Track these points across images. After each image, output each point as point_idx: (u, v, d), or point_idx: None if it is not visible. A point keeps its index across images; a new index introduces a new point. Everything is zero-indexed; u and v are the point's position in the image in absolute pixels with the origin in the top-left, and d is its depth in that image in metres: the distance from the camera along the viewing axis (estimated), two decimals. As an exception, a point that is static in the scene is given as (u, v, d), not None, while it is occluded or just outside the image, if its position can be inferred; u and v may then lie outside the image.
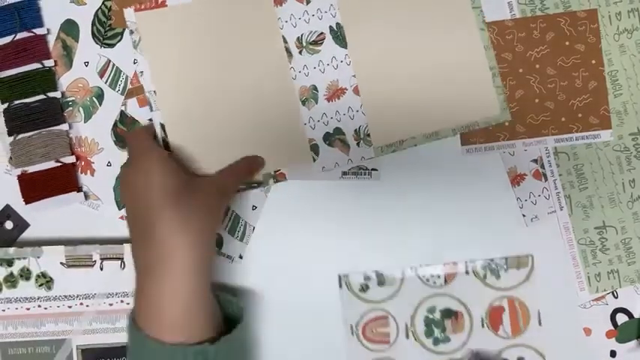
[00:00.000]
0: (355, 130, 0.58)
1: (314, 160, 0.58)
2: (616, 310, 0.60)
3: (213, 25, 0.56)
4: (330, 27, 0.58)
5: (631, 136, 0.60)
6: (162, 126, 0.56)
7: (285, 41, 0.58)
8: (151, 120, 0.57)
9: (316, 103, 0.58)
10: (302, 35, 0.58)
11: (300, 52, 0.58)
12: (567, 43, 0.59)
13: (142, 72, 0.57)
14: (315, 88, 0.58)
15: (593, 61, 0.59)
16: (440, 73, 0.58)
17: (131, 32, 0.56)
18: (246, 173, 0.57)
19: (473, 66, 0.58)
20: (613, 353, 0.60)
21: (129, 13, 0.56)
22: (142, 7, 0.56)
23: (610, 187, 0.60)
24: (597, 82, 0.59)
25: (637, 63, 0.59)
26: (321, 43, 0.58)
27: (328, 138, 0.58)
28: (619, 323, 0.60)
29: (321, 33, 0.58)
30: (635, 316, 0.60)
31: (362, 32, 0.58)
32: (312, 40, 0.58)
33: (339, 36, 0.58)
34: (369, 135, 0.58)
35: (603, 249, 0.60)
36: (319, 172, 0.58)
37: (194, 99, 0.57)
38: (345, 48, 0.58)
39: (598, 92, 0.59)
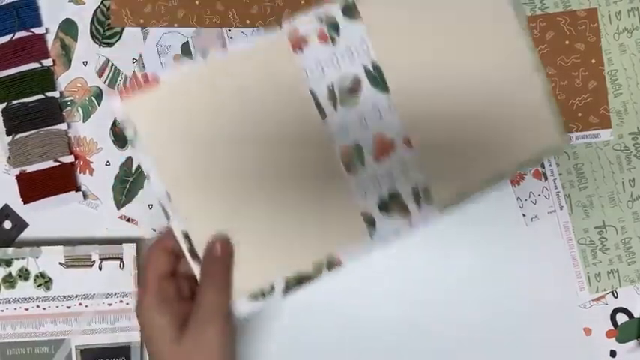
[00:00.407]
0: (413, 189, 0.49)
1: (371, 237, 0.48)
2: (616, 310, 0.60)
3: (223, 96, 0.45)
4: (365, 68, 0.48)
5: (631, 135, 0.60)
6: (186, 235, 0.45)
7: (313, 95, 0.47)
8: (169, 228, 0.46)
9: (363, 164, 0.48)
10: (333, 84, 0.48)
11: (334, 106, 0.48)
12: (567, 42, 0.59)
13: (148, 175, 0.45)
14: (358, 146, 0.48)
15: (593, 61, 0.59)
16: (495, 106, 0.49)
17: (123, 127, 0.44)
18: (222, 273, 0.46)
19: (528, 94, 0.50)
20: (613, 353, 0.60)
21: (114, 100, 0.43)
22: (129, 92, 0.44)
23: (610, 186, 0.60)
24: (597, 82, 0.59)
25: (637, 62, 0.59)
26: (358, 90, 0.48)
27: (384, 206, 0.48)
28: (619, 323, 0.60)
29: (356, 77, 0.49)
30: (635, 315, 0.60)
31: (402, 67, 0.48)
32: (346, 87, 0.48)
33: (377, 78, 0.48)
34: (428, 191, 0.49)
35: (603, 249, 0.60)
36: (378, 246, 0.49)
37: (219, 193, 0.46)
38: (387, 92, 0.48)
39: (598, 92, 0.59)
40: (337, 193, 0.48)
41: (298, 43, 0.47)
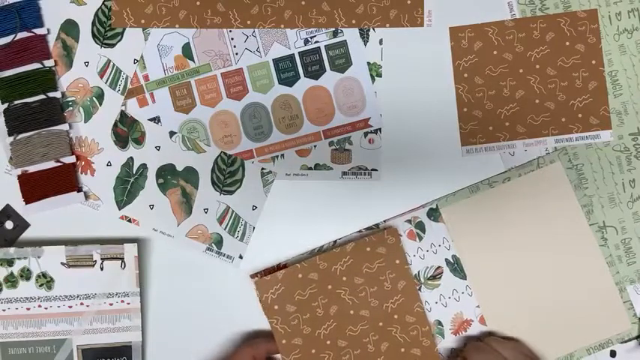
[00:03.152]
0: None
1: None
2: (616, 310, 0.60)
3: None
4: (447, 260, 0.59)
5: (631, 136, 0.60)
6: None
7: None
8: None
9: (443, 338, 0.59)
10: (419, 272, 0.59)
11: (420, 289, 0.59)
12: (567, 43, 0.59)
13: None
14: (439, 323, 0.59)
15: (594, 62, 0.59)
16: (565, 292, 0.58)
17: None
18: None
19: (598, 282, 0.59)
20: (613, 353, 0.60)
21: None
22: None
23: (610, 187, 0.60)
24: (597, 83, 0.59)
25: (637, 63, 0.59)
26: (440, 277, 0.59)
27: None
28: (619, 323, 0.60)
29: (438, 267, 0.59)
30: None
31: (480, 260, 0.59)
32: (429, 275, 0.59)
33: (456, 268, 0.59)
34: None
35: (603, 249, 0.60)
36: None
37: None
38: (465, 279, 0.59)
39: (598, 92, 0.59)
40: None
41: None
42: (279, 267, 0.59)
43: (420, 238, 0.59)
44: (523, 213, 0.58)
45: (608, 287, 0.59)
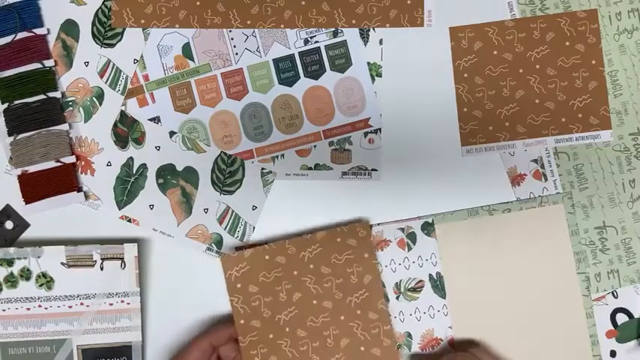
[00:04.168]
0: None
1: None
2: (616, 310, 0.60)
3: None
4: (430, 275, 0.59)
5: (631, 136, 0.60)
6: None
7: (383, 285, 0.59)
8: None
9: (409, 350, 0.59)
10: (400, 281, 0.59)
11: (397, 298, 0.59)
12: (567, 43, 0.59)
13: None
14: (409, 335, 0.59)
15: (594, 62, 0.59)
16: (539, 335, 0.58)
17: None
18: None
19: (573, 333, 0.58)
20: (613, 353, 0.60)
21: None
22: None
23: (610, 187, 0.60)
24: (597, 83, 0.59)
25: (637, 63, 0.59)
26: (420, 291, 0.59)
27: None
28: (619, 323, 0.60)
29: (420, 280, 0.59)
30: (635, 316, 0.60)
31: (462, 283, 0.59)
32: (410, 286, 0.59)
33: (438, 285, 0.59)
34: None
35: (603, 249, 0.60)
36: None
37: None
38: (444, 298, 0.59)
39: (598, 92, 0.59)
40: None
41: (381, 244, 0.59)
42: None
43: (410, 249, 0.59)
44: (515, 247, 0.58)
45: (582, 339, 0.58)
